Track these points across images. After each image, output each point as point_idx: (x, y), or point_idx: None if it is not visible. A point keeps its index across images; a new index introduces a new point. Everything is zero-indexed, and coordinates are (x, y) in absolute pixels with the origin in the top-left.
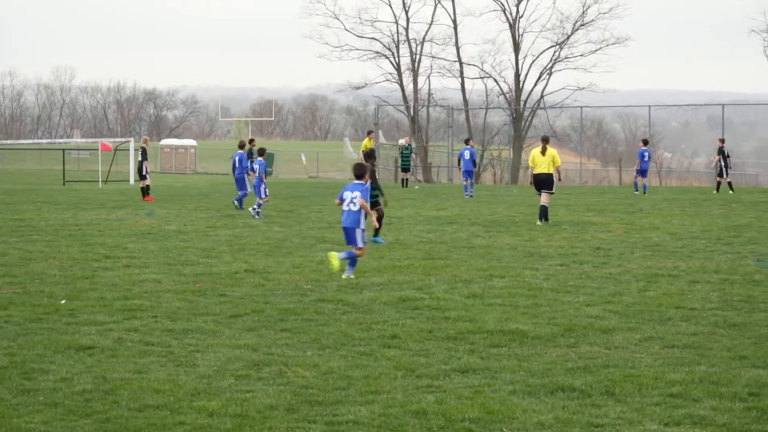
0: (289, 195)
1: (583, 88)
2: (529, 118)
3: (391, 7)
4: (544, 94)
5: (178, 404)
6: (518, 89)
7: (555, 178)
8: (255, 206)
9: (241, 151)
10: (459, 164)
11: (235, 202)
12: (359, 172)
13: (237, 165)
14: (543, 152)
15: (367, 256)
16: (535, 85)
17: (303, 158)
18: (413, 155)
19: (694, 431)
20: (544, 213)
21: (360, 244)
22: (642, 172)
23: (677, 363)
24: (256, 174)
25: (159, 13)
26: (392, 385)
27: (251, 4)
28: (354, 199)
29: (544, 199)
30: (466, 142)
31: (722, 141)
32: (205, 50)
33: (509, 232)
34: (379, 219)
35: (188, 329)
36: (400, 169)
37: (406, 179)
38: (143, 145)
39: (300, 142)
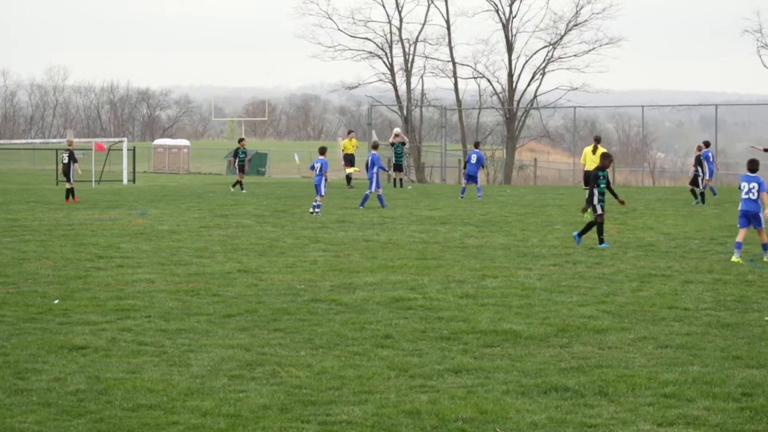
0: (283, 195)
1: (576, 89)
2: (523, 118)
3: (384, 7)
4: (537, 94)
5: (171, 404)
6: (511, 89)
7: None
8: (315, 204)
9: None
10: (465, 166)
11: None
12: (753, 167)
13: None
14: (594, 151)
15: (360, 256)
16: (529, 85)
17: (296, 158)
18: (406, 153)
19: (688, 431)
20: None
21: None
22: (709, 173)
23: (670, 363)
24: (317, 172)
25: (152, 14)
26: (385, 385)
27: (244, 4)
28: (752, 189)
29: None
30: (476, 145)
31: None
32: (198, 50)
33: (502, 232)
34: (594, 225)
35: (181, 329)
36: (392, 169)
37: (400, 179)
38: (69, 147)
39: (293, 142)
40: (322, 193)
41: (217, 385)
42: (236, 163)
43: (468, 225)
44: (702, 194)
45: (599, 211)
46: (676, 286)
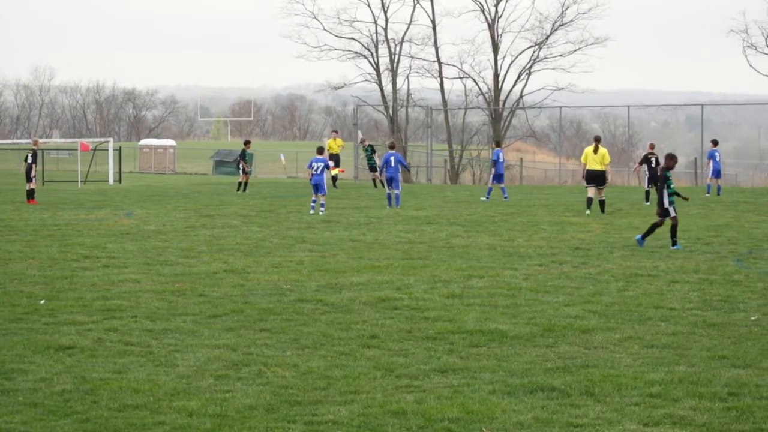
0: (269, 195)
1: (562, 89)
2: (508, 119)
3: (369, 8)
4: (523, 94)
5: (157, 404)
6: (497, 89)
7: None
8: (313, 202)
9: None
10: (494, 166)
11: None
12: None
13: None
14: (595, 151)
15: (346, 256)
16: (514, 85)
17: (282, 158)
18: (375, 155)
19: (674, 431)
20: (601, 206)
21: None
22: (716, 173)
23: (657, 363)
24: (317, 172)
25: (138, 14)
26: (372, 385)
27: (229, 4)
28: None
29: (593, 192)
30: (497, 144)
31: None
32: (184, 50)
33: (488, 232)
34: (657, 227)
35: (167, 329)
36: (368, 170)
37: (375, 179)
38: (34, 147)
39: (279, 142)
40: (326, 192)
41: (204, 385)
42: (243, 165)
43: (454, 225)
44: (648, 193)
45: (673, 213)
46: (662, 285)
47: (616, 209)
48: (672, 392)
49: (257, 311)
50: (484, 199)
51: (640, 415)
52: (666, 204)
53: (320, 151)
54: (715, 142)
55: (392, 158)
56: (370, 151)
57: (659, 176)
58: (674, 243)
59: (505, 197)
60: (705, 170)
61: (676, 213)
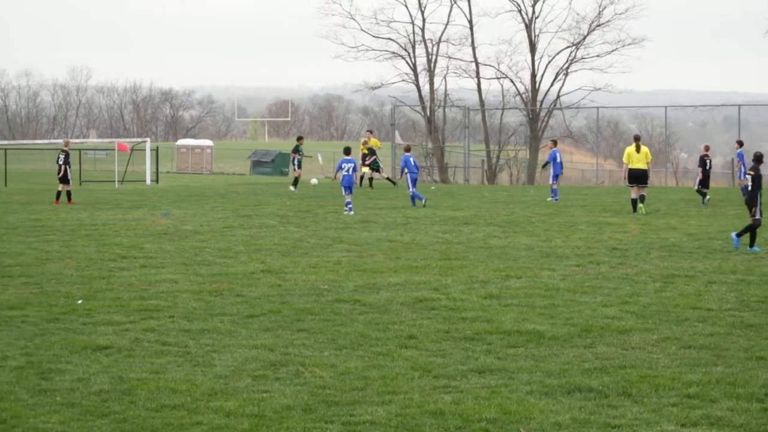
0: (306, 195)
1: (599, 89)
2: (546, 119)
3: (407, 8)
4: (560, 94)
5: (195, 404)
6: (534, 90)
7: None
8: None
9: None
10: (544, 166)
11: (421, 201)
12: None
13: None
14: (638, 150)
15: (383, 257)
16: (552, 85)
17: (319, 158)
18: (429, 154)
19: None
20: (642, 200)
21: None
22: (744, 174)
23: (694, 364)
24: (347, 172)
25: (175, 14)
26: (409, 386)
27: (266, 4)
28: None
29: (636, 192)
30: (554, 143)
31: (740, 144)
32: (221, 51)
33: (526, 233)
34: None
35: (205, 329)
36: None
37: (361, 177)
38: (65, 148)
39: (316, 142)
40: (352, 192)
41: (241, 385)
42: (296, 161)
43: (491, 225)
44: (704, 194)
45: (758, 216)
46: (700, 286)
47: (654, 210)
48: (709, 393)
49: (295, 311)
50: (551, 200)
51: (677, 415)
52: (758, 204)
53: (347, 151)
54: (740, 143)
55: (411, 159)
56: (370, 152)
57: (753, 177)
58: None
59: (554, 198)
60: (736, 172)
61: (761, 216)
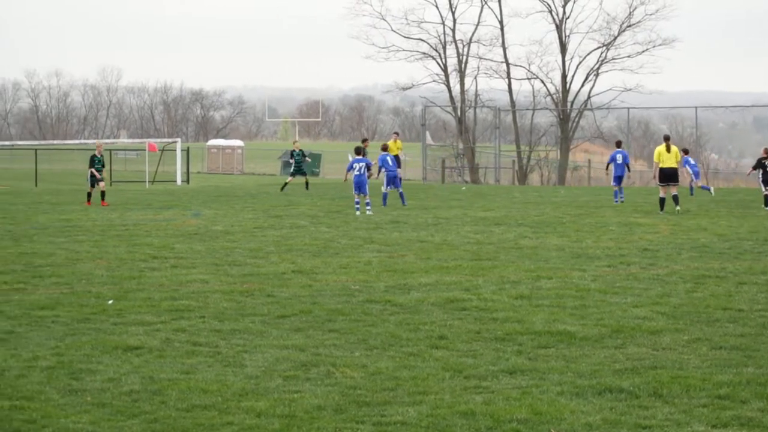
0: (337, 195)
1: (630, 90)
2: (576, 120)
3: (437, 8)
4: (591, 95)
5: (225, 404)
6: (565, 90)
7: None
8: (367, 204)
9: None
10: (607, 168)
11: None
12: None
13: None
14: (668, 149)
15: (414, 257)
16: (582, 86)
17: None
18: (306, 159)
19: None
20: (676, 200)
21: None
22: None
23: (725, 364)
24: (359, 172)
25: (206, 14)
26: (440, 386)
27: (298, 4)
28: None
29: (664, 191)
30: (618, 144)
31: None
32: (252, 51)
33: (557, 233)
34: None
35: (236, 330)
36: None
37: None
38: (96, 152)
39: (347, 142)
40: (367, 192)
41: (272, 385)
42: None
43: (522, 226)
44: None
45: None
46: (730, 287)
47: (684, 210)
48: (740, 394)
49: (326, 312)
50: (617, 201)
51: (708, 416)
52: None
53: (358, 151)
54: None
55: (388, 158)
56: (300, 156)
57: None
58: None
59: (621, 199)
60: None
61: None
